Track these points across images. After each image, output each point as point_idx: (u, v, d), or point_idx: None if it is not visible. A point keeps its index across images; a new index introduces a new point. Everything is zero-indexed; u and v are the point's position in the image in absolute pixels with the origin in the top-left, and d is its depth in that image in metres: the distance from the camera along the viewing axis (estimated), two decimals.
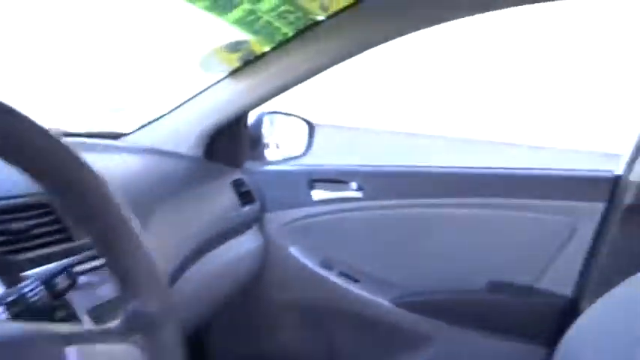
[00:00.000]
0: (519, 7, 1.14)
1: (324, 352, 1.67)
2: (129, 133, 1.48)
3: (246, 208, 1.50)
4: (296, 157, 1.84)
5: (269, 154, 1.80)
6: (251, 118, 1.68)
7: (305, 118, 1.84)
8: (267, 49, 1.37)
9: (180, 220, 1.22)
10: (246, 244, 1.50)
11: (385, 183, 1.58)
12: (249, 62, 1.40)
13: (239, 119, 1.54)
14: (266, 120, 1.71)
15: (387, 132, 4.58)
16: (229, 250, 1.42)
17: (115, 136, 1.47)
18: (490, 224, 1.52)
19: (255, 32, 1.29)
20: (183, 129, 1.49)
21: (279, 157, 1.88)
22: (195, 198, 1.35)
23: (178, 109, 1.47)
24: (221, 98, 1.45)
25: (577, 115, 4.29)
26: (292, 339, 1.67)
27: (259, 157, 1.70)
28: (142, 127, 1.49)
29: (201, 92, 1.46)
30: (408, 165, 1.62)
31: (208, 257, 1.32)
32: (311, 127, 1.83)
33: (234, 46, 1.33)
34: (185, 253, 1.18)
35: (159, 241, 0.98)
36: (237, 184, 1.51)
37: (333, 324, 1.64)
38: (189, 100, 1.47)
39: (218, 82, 1.45)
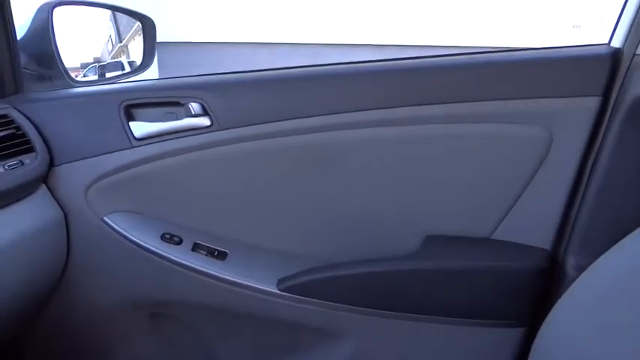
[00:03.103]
0: None
1: None
2: None
3: (10, 162, 0.89)
4: (121, 76, 1.22)
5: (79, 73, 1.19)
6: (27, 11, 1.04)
7: (139, 12, 1.21)
8: None
9: None
10: (17, 222, 0.90)
11: (245, 99, 0.97)
12: None
13: None
14: (59, 14, 1.07)
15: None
16: None
17: None
18: (424, 147, 0.94)
19: None
20: None
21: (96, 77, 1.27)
22: None
23: None
24: None
25: None
26: (142, 351, 1.12)
27: (53, 78, 1.08)
28: None
29: None
30: (279, 68, 1.00)
31: None
32: (149, 26, 1.20)
33: None
34: None
35: None
36: None
37: (194, 326, 1.08)
38: None
39: None
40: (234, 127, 0.95)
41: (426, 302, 0.97)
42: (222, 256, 1.01)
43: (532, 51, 0.92)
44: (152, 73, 1.25)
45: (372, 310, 0.98)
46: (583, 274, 0.73)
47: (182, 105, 0.96)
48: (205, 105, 0.95)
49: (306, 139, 0.95)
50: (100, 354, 1.12)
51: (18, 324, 1.02)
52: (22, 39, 1.04)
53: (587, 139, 0.89)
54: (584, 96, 0.87)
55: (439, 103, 0.90)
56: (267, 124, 0.95)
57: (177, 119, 0.97)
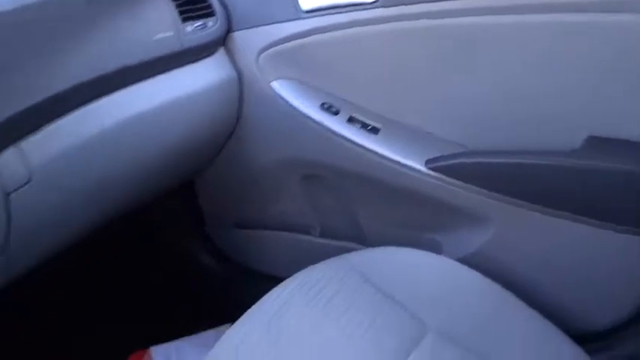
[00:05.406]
0: None
1: (335, 225, 1.23)
2: None
3: (196, 24, 0.99)
4: None
5: None
6: None
7: None
8: None
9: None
10: (201, 76, 1.02)
11: None
12: None
13: None
14: None
15: None
16: (164, 86, 0.96)
17: None
18: (594, 37, 0.85)
19: None
20: None
21: None
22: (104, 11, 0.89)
23: None
24: None
25: None
26: (293, 207, 1.24)
27: None
28: None
29: None
30: None
31: (123, 95, 0.90)
32: None
33: None
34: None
35: None
36: None
37: (341, 192, 1.17)
38: None
39: None
40: (397, 5, 0.94)
41: (577, 202, 0.93)
42: (375, 130, 1.05)
43: None
44: None
45: (519, 200, 0.97)
46: None
47: None
48: None
49: (471, 21, 0.91)
50: (254, 205, 1.27)
51: (196, 166, 1.19)
52: None
53: None
54: None
55: None
56: (430, 4, 0.92)
57: None
